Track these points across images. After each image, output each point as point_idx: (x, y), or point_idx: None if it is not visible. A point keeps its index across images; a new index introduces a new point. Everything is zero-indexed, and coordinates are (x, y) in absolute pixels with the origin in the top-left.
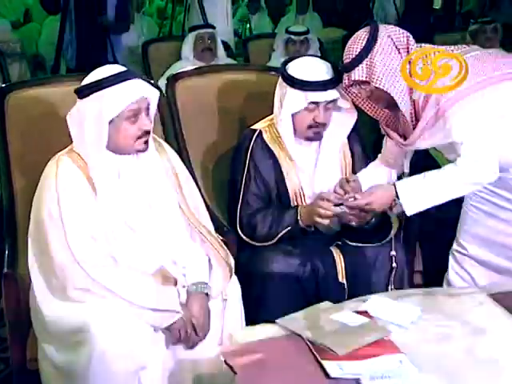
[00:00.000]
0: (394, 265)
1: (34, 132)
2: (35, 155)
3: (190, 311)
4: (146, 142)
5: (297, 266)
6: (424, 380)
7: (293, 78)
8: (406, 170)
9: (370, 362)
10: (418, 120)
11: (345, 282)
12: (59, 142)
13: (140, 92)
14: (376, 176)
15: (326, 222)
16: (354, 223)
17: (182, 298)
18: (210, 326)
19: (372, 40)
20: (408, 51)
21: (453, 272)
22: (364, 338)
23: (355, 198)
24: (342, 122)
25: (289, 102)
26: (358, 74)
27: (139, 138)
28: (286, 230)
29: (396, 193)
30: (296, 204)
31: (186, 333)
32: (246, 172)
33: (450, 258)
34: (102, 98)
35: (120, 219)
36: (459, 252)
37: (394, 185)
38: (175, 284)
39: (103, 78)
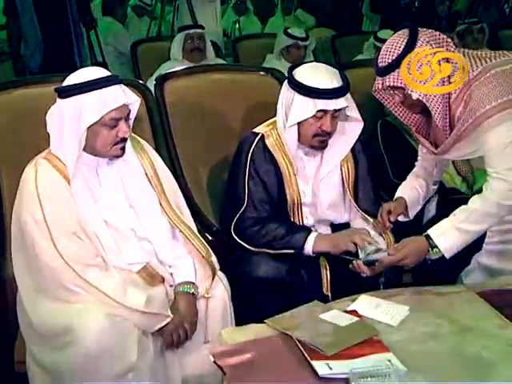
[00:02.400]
0: (382, 280)
1: (21, 132)
2: (22, 155)
3: (181, 313)
4: (123, 148)
5: (284, 272)
6: (412, 379)
7: (302, 84)
8: (437, 179)
9: (359, 362)
10: (452, 128)
11: (329, 294)
12: (46, 142)
13: (122, 99)
14: (416, 186)
15: (353, 249)
16: (365, 275)
17: (170, 297)
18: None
19: (410, 45)
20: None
21: (471, 275)
22: (353, 338)
23: (389, 254)
24: (348, 132)
25: (296, 109)
26: (394, 79)
27: (116, 144)
28: (288, 251)
29: (429, 243)
30: (297, 223)
31: (178, 336)
32: (248, 176)
33: (473, 262)
34: (83, 102)
35: (101, 219)
36: (482, 263)
37: (427, 235)
38: (162, 282)
39: (87, 81)
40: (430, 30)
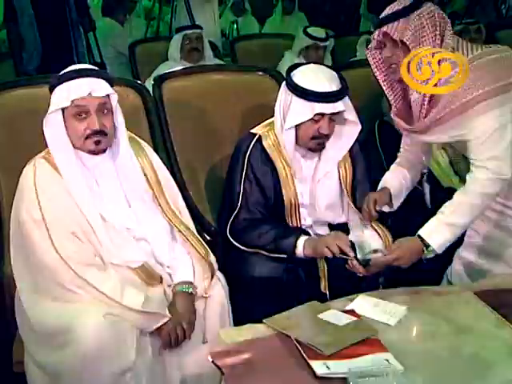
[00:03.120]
0: (381, 280)
1: (19, 132)
2: (20, 155)
3: (179, 313)
4: (98, 143)
5: (281, 272)
6: (410, 378)
7: (300, 87)
8: (425, 170)
9: (357, 361)
10: (431, 106)
11: (327, 292)
12: (44, 141)
13: (85, 90)
14: (400, 177)
15: (330, 254)
16: (361, 274)
17: (168, 297)
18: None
19: (416, 4)
20: (443, 34)
21: (454, 272)
22: (351, 337)
23: (383, 255)
24: (345, 134)
25: (294, 112)
26: (391, 28)
27: (88, 137)
28: (281, 255)
29: (423, 243)
30: (295, 225)
31: (176, 336)
32: (244, 178)
33: (455, 258)
34: (55, 93)
35: (99, 218)
36: (463, 257)
37: (419, 235)
38: (161, 282)
39: (61, 74)
40: (437, 6)
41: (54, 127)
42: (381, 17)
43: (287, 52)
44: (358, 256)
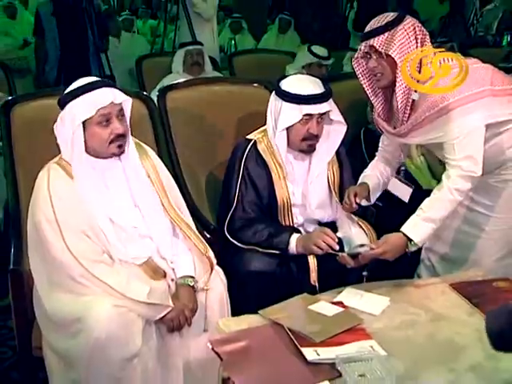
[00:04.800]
0: (365, 273)
1: (37, 139)
2: (37, 159)
3: (181, 302)
4: (121, 146)
5: (275, 266)
6: (392, 363)
7: (288, 93)
8: (403, 168)
9: (344, 348)
10: (412, 111)
11: (317, 284)
12: (58, 147)
13: (109, 98)
14: (377, 174)
15: (319, 251)
16: (349, 266)
17: (171, 290)
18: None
19: (399, 19)
20: (423, 46)
21: (423, 267)
22: (339, 326)
23: (371, 248)
24: (333, 135)
25: (284, 115)
26: (377, 42)
27: (112, 141)
28: (275, 251)
29: (407, 238)
30: (287, 223)
31: (179, 323)
32: (240, 179)
33: (422, 253)
34: (75, 107)
35: (107, 218)
36: (429, 249)
37: (402, 231)
38: (164, 276)
39: (77, 88)
40: (417, 20)
41: (72, 135)
42: (366, 30)
43: (290, 68)
44: (346, 250)
